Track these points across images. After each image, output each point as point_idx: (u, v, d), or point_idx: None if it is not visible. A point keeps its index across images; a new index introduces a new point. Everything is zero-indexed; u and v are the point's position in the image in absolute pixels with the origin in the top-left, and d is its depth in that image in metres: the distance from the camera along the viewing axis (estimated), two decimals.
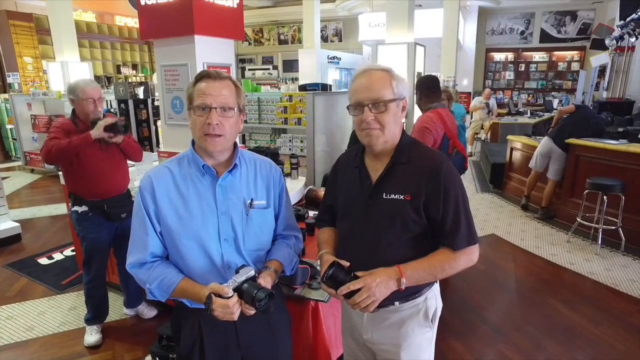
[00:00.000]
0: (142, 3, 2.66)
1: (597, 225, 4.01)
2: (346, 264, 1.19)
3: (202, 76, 1.23)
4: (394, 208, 1.22)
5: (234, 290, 1.14)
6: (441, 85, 3.30)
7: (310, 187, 3.10)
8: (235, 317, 1.15)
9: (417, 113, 3.07)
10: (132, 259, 1.26)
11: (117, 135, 2.38)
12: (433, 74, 3.41)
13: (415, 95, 3.08)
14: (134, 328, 2.82)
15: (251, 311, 1.17)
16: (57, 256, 3.95)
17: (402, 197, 1.21)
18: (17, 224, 4.42)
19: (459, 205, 1.21)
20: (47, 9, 7.66)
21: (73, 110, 2.41)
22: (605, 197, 3.85)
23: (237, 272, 1.18)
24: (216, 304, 1.12)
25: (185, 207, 1.24)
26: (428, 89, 2.97)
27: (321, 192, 2.94)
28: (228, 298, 1.12)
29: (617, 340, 2.63)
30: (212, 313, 1.14)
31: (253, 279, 1.18)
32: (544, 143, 4.83)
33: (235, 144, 1.32)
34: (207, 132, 1.19)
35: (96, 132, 2.31)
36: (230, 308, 1.12)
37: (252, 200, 1.30)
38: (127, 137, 2.53)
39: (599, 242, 3.95)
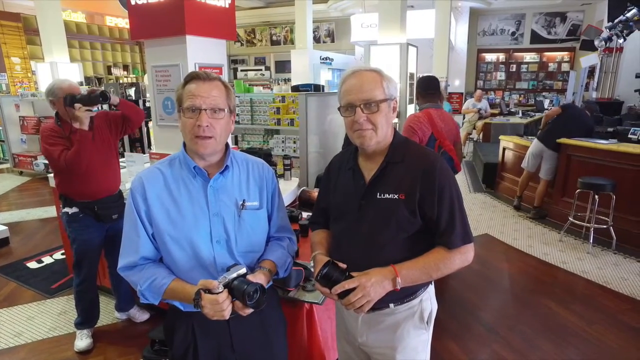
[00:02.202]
0: (133, 3, 2.62)
1: (588, 225, 4.04)
2: (343, 265, 1.18)
3: (191, 77, 1.21)
4: (388, 208, 1.21)
5: (224, 286, 1.12)
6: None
7: (304, 188, 3.08)
8: (226, 314, 1.12)
9: (410, 113, 3.09)
10: (124, 262, 1.24)
11: (104, 100, 2.28)
12: (426, 74, 3.40)
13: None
14: (125, 332, 2.77)
15: (245, 310, 1.14)
16: (47, 260, 3.89)
17: (396, 196, 1.21)
18: (5, 228, 4.34)
19: (453, 204, 1.20)
20: (35, 9, 7.54)
21: (56, 114, 2.36)
22: (596, 197, 3.88)
23: (227, 270, 1.16)
24: (205, 299, 1.10)
25: (176, 208, 1.22)
26: (424, 90, 3.04)
27: (314, 193, 2.93)
28: (217, 293, 1.10)
29: (610, 338, 2.65)
30: (202, 311, 1.11)
31: (244, 276, 1.16)
32: (534, 144, 4.87)
33: (227, 145, 1.31)
34: (198, 134, 1.18)
35: (83, 126, 2.24)
36: (220, 304, 1.10)
37: (244, 201, 1.28)
38: (122, 101, 2.54)
39: (591, 241, 3.99)
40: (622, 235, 3.99)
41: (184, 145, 1.27)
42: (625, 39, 6.79)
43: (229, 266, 1.18)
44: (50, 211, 5.22)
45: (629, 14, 6.22)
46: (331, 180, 1.41)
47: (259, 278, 1.20)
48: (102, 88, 2.31)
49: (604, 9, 7.51)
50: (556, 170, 4.73)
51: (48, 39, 7.35)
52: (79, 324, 2.61)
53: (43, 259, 3.91)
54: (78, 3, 10.75)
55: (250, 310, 1.15)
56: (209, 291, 1.11)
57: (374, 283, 1.14)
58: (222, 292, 1.11)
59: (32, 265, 3.78)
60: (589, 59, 8.76)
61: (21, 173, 7.44)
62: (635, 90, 7.00)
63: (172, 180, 1.25)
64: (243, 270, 1.16)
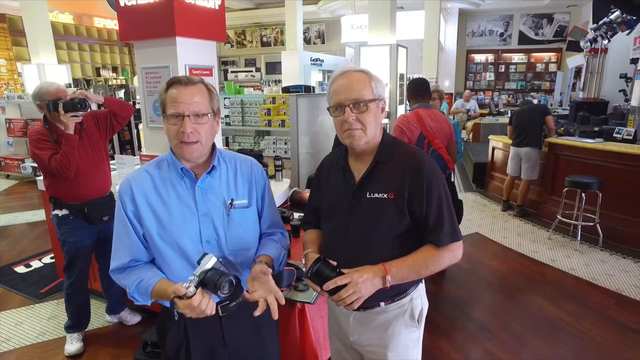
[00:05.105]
0: (122, 4, 2.61)
1: (576, 222, 4.11)
2: (334, 262, 1.19)
3: (173, 82, 1.21)
4: (378, 207, 1.23)
5: (198, 285, 1.07)
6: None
7: (295, 188, 3.09)
8: (209, 311, 1.09)
9: (400, 114, 3.14)
10: (115, 264, 1.24)
11: (82, 108, 2.26)
12: (416, 75, 3.48)
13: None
14: (117, 335, 2.75)
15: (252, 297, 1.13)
16: (36, 264, 3.83)
17: (385, 195, 1.22)
18: None
19: (441, 202, 1.22)
20: (21, 10, 7.44)
21: (44, 117, 2.34)
22: (583, 195, 3.95)
23: (198, 263, 1.10)
24: (180, 307, 1.07)
25: (165, 210, 1.23)
26: (413, 92, 3.11)
27: (306, 193, 2.94)
28: (190, 297, 1.06)
29: (597, 333, 2.70)
30: (186, 315, 1.08)
31: (216, 265, 1.10)
32: (510, 150, 5.00)
33: (213, 145, 1.31)
34: (182, 140, 1.18)
35: (69, 130, 2.23)
36: (197, 307, 1.06)
37: (232, 200, 1.29)
38: (107, 98, 2.52)
39: (579, 238, 4.06)
40: (608, 233, 4.06)
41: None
42: (609, 41, 6.91)
43: (199, 259, 1.12)
44: (39, 215, 5.15)
45: (612, 16, 6.34)
46: (322, 181, 1.42)
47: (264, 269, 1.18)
48: (89, 90, 2.28)
49: (589, 11, 7.65)
50: (537, 169, 4.79)
51: (35, 40, 7.26)
52: (70, 328, 2.58)
53: (31, 263, 3.86)
54: (65, 4, 10.61)
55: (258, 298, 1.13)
56: (184, 296, 1.06)
57: (365, 280, 1.15)
58: (194, 295, 1.06)
59: (20, 269, 3.73)
60: (575, 60, 8.91)
61: (8, 176, 7.32)
62: (620, 91, 7.13)
63: (160, 181, 1.25)
64: (213, 260, 1.10)
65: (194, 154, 1.21)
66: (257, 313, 1.14)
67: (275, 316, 1.15)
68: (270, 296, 1.15)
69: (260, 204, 1.38)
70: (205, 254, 1.12)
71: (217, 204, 1.27)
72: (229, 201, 1.28)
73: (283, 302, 1.17)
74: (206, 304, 1.08)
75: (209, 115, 1.22)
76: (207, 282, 1.08)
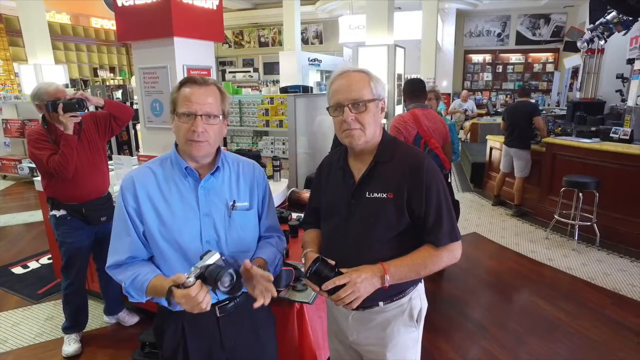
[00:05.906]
0: (119, 4, 2.60)
1: (573, 222, 4.13)
2: (332, 262, 1.20)
3: (187, 81, 1.22)
4: (377, 207, 1.23)
5: (196, 277, 1.06)
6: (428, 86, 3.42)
7: (293, 189, 3.09)
8: (204, 306, 1.07)
9: (398, 114, 3.15)
10: (112, 260, 1.24)
11: (80, 108, 2.26)
12: (414, 75, 3.49)
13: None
14: (115, 336, 2.75)
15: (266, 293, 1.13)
16: (33, 265, 3.82)
17: (384, 195, 1.22)
18: None
19: (440, 202, 1.22)
20: (17, 10, 7.41)
21: (43, 117, 2.33)
22: (580, 195, 3.97)
23: (201, 258, 1.11)
24: (177, 295, 1.05)
25: (167, 208, 1.23)
26: (409, 92, 3.12)
27: (304, 193, 2.94)
28: (189, 287, 1.05)
29: (594, 332, 2.71)
30: (181, 306, 1.07)
31: (218, 261, 1.10)
32: (502, 148, 5.13)
33: (218, 147, 1.31)
34: (192, 139, 1.18)
35: (68, 130, 2.24)
36: (193, 297, 1.04)
37: (234, 202, 1.29)
38: (107, 101, 2.53)
39: (576, 238, 4.08)
40: (605, 232, 4.08)
41: (176, 145, 1.27)
42: (606, 41, 6.95)
43: (202, 254, 1.12)
44: (36, 215, 5.13)
45: (608, 17, 6.37)
46: (322, 180, 1.42)
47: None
48: (87, 90, 2.28)
49: (586, 11, 7.68)
50: (528, 166, 4.88)
51: (31, 40, 7.23)
52: (67, 329, 2.57)
53: (29, 264, 3.84)
54: (62, 4, 10.58)
55: (273, 294, 1.14)
56: (182, 285, 1.06)
57: (364, 279, 1.15)
58: (193, 285, 1.05)
59: (18, 270, 3.71)
60: (572, 60, 8.95)
61: (5, 177, 7.29)
62: (617, 91, 7.17)
63: (163, 179, 1.25)
64: (216, 256, 1.10)
65: (201, 151, 1.21)
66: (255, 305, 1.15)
67: (273, 290, 1.16)
68: (258, 276, 1.16)
69: (260, 208, 1.38)
70: (208, 250, 1.12)
71: (219, 205, 1.27)
72: (231, 203, 1.28)
73: (272, 278, 1.18)
74: (203, 297, 1.06)
75: (220, 117, 1.23)
76: (207, 276, 1.07)
